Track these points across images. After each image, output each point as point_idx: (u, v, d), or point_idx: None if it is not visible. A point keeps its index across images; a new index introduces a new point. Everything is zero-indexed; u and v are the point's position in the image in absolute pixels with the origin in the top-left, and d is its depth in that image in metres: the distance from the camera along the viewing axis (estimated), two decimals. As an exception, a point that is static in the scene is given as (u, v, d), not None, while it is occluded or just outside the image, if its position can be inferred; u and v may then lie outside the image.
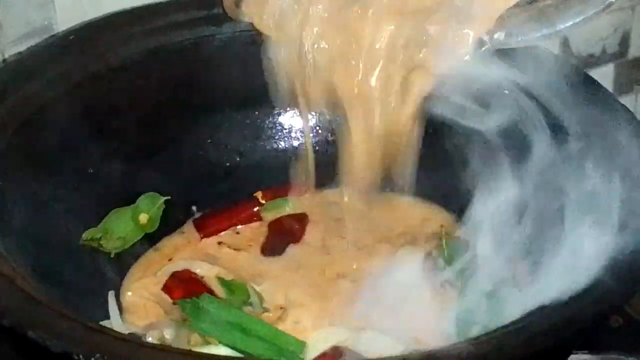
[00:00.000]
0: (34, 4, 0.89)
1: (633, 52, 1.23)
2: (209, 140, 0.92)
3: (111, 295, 0.78)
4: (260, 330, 0.72)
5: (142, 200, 0.86)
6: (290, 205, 0.90)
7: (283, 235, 0.86)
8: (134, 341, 0.63)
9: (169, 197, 0.87)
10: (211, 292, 0.78)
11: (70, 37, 0.85)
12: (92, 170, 0.84)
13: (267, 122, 0.95)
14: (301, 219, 0.88)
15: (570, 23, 0.76)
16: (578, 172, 0.74)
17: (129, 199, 0.86)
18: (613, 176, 0.72)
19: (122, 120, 0.86)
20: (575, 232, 0.70)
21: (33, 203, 0.77)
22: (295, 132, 0.95)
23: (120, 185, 0.86)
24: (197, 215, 0.89)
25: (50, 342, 0.59)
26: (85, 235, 0.81)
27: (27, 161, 0.78)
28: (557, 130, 0.79)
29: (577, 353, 0.76)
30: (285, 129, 0.95)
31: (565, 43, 1.16)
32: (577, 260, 0.68)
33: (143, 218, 0.85)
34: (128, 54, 0.86)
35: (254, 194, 0.91)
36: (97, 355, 0.58)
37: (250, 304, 0.77)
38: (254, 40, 0.84)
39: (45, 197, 0.79)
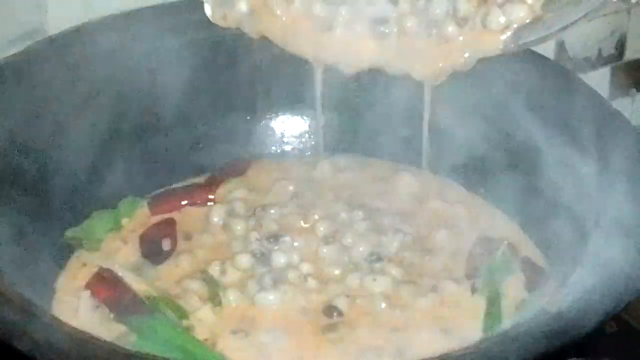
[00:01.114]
0: (26, 6, 0.88)
1: (629, 55, 1.23)
2: (199, 145, 0.92)
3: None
4: (205, 357, 0.71)
5: (124, 205, 0.86)
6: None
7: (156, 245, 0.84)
8: (120, 351, 0.62)
9: (150, 200, 0.87)
10: (137, 295, 0.76)
11: (57, 42, 0.85)
12: (81, 176, 0.84)
13: (257, 127, 0.95)
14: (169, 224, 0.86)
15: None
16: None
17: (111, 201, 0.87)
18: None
19: (110, 124, 0.86)
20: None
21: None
22: (287, 138, 0.95)
23: (106, 189, 0.86)
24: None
25: (37, 353, 0.58)
26: (68, 233, 0.82)
27: (15, 162, 0.78)
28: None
29: (571, 360, 0.75)
30: (277, 135, 0.95)
31: (561, 46, 1.15)
32: None
33: (125, 222, 0.85)
34: (117, 58, 0.86)
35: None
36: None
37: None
38: (245, 43, 0.83)
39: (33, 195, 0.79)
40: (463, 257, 0.82)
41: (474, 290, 0.79)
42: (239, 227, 0.84)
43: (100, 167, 0.85)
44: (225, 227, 0.85)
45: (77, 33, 0.86)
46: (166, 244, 0.83)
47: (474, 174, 0.89)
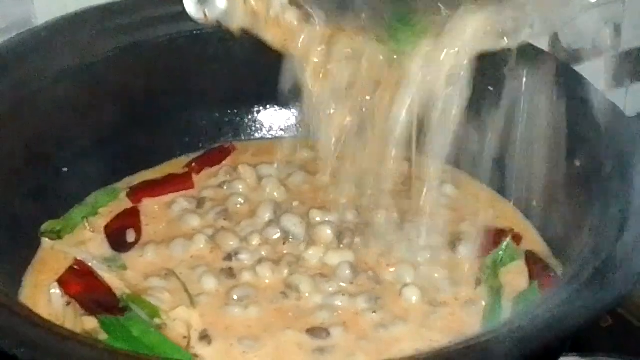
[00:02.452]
0: (13, -4, 0.87)
1: (624, 45, 1.22)
2: (186, 139, 0.92)
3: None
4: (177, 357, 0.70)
5: (100, 195, 0.86)
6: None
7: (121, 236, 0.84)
8: (106, 349, 0.61)
9: (128, 191, 0.87)
10: (110, 290, 0.76)
11: (43, 34, 0.84)
12: (66, 169, 0.84)
13: (246, 119, 0.94)
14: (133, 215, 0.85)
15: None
16: None
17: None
18: None
19: (97, 115, 0.86)
20: None
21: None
22: (276, 130, 0.95)
23: (96, 178, 0.86)
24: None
25: (18, 351, 0.57)
26: (45, 226, 0.81)
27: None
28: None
29: (566, 355, 0.75)
30: (265, 127, 0.95)
31: (555, 36, 1.15)
32: None
33: (102, 211, 0.85)
34: (104, 49, 0.85)
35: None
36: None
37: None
38: (233, 36, 0.82)
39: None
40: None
41: (477, 282, 0.78)
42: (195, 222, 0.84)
43: (81, 158, 0.85)
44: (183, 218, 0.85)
45: (63, 24, 0.85)
46: (130, 235, 0.82)
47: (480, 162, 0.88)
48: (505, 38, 0.75)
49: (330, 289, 0.77)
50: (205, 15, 0.78)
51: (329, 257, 0.79)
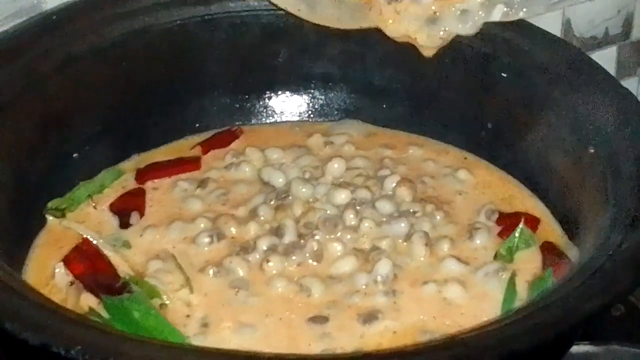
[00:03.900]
0: (22, -17, 0.87)
1: (636, 34, 1.22)
2: (196, 125, 0.91)
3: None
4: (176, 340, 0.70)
5: (106, 176, 0.85)
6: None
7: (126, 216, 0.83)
8: (115, 333, 0.61)
9: (136, 170, 0.87)
10: (115, 271, 0.76)
11: (53, 17, 0.84)
12: (76, 155, 0.84)
13: (257, 105, 0.94)
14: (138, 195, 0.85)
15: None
16: None
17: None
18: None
19: (107, 100, 0.85)
20: None
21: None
22: (287, 115, 0.94)
23: (104, 160, 0.86)
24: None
25: (27, 334, 0.57)
26: (51, 204, 0.81)
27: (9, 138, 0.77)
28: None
29: (578, 344, 0.75)
30: (277, 113, 0.94)
31: (567, 24, 1.14)
32: None
33: (107, 192, 0.85)
34: (114, 34, 0.85)
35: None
36: (78, 347, 0.56)
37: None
38: (243, 20, 0.82)
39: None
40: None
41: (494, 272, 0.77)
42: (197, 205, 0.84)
43: (91, 141, 0.85)
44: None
45: (74, 8, 0.85)
46: (135, 216, 0.82)
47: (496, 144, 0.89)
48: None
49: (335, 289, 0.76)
50: None
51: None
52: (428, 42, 0.82)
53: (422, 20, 0.81)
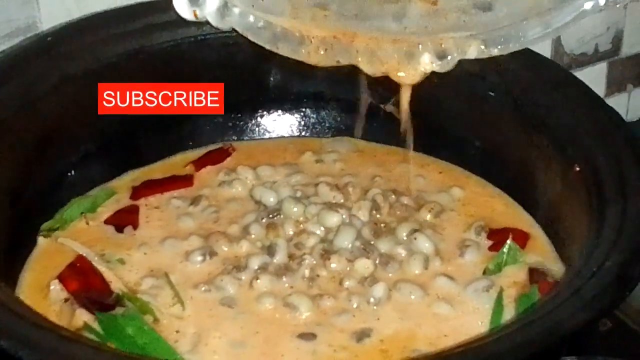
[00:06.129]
0: (18, 2, 0.88)
1: (626, 50, 1.23)
2: (190, 142, 0.92)
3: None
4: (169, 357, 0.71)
5: (99, 194, 0.86)
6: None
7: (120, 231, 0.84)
8: (109, 351, 0.62)
9: (130, 188, 0.87)
10: (108, 287, 0.76)
11: (48, 38, 0.85)
12: (70, 173, 0.85)
13: (249, 123, 0.95)
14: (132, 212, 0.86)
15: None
16: None
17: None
18: None
19: (101, 120, 0.86)
20: None
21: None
22: (279, 133, 0.95)
23: (99, 179, 0.87)
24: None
25: (23, 353, 0.58)
26: (44, 226, 0.82)
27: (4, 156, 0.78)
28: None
29: (565, 359, 0.75)
30: (269, 131, 0.95)
31: (557, 42, 1.15)
32: None
33: (100, 210, 0.85)
34: (108, 54, 0.85)
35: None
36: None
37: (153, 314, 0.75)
38: (236, 41, 0.83)
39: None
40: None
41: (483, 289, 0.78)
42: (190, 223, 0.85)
43: (85, 161, 0.86)
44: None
45: (68, 29, 0.86)
46: (129, 231, 0.83)
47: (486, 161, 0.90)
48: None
49: (327, 302, 0.77)
50: (195, 14, 0.80)
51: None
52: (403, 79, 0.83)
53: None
